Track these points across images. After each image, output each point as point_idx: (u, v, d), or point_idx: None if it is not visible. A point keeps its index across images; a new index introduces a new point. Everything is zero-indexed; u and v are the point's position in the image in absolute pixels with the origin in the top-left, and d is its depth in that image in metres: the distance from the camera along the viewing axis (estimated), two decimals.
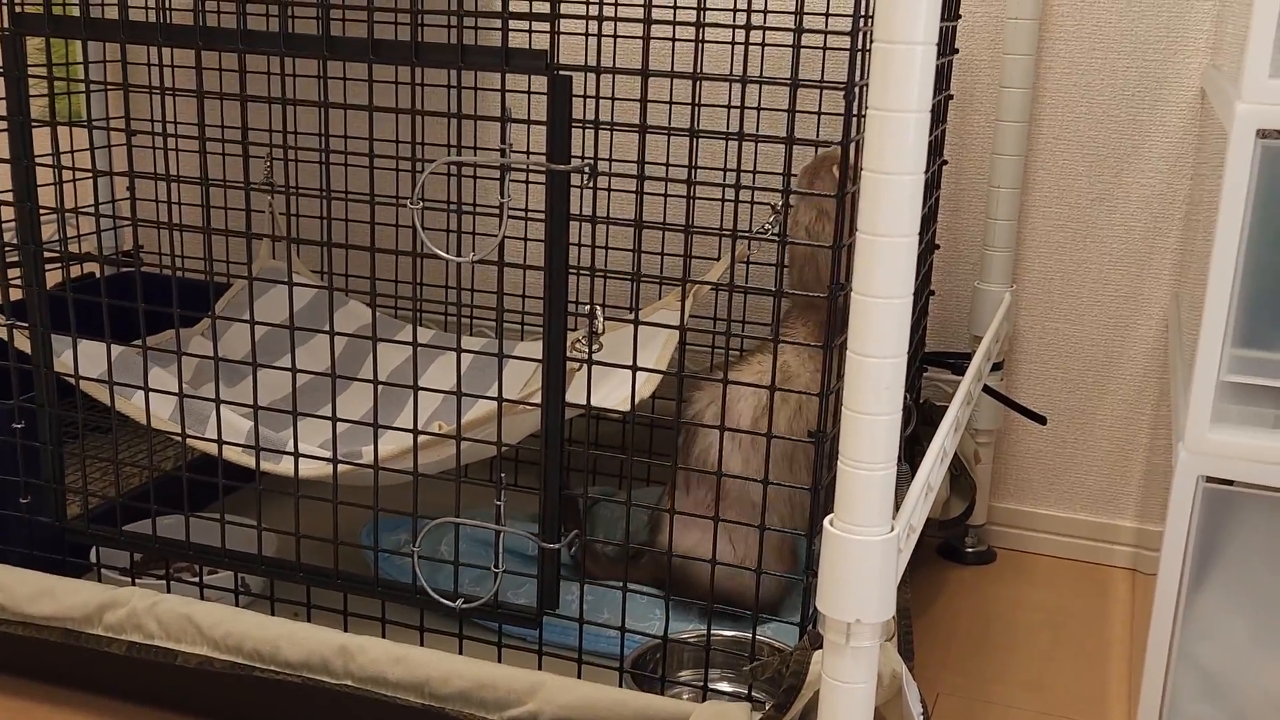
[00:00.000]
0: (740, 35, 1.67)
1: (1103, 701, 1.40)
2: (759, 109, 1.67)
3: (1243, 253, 1.01)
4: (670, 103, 1.57)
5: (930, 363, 1.67)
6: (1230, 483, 1.09)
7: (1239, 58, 1.03)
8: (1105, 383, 1.71)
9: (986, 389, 1.62)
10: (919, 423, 1.54)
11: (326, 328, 1.71)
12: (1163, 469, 1.42)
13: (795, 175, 1.49)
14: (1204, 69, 1.58)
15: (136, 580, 1.31)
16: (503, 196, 1.07)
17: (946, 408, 1.32)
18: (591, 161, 1.06)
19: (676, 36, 1.68)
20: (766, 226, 1.53)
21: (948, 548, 1.75)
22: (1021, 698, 1.40)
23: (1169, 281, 1.65)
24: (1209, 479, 1.08)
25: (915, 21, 0.80)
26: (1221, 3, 1.53)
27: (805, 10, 1.02)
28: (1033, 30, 1.60)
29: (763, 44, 1.69)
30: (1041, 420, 1.65)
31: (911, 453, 1.49)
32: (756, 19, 1.68)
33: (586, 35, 1.36)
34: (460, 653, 1.17)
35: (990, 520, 1.78)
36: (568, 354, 1.11)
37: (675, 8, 1.36)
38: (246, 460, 1.28)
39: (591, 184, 1.08)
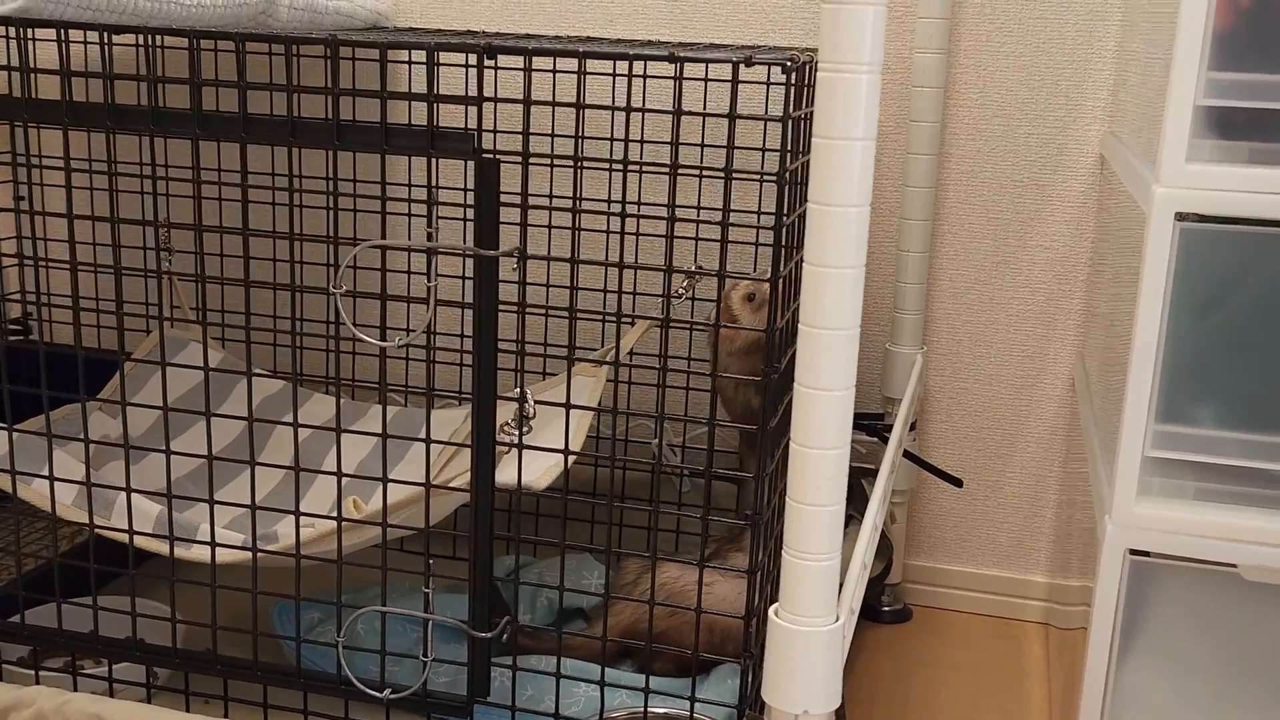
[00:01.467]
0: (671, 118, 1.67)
1: None
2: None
3: (1163, 331, 1.03)
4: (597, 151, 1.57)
5: None
6: (1146, 554, 1.12)
7: (1152, 139, 1.06)
8: (1014, 440, 1.74)
9: (905, 453, 1.63)
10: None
11: (230, 399, 1.67)
12: (1079, 525, 1.44)
13: (727, 241, 1.50)
14: (1102, 136, 1.62)
15: (39, 672, 1.25)
16: (430, 280, 1.05)
17: (857, 468, 1.32)
18: (520, 247, 1.05)
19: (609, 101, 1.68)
20: (680, 291, 1.54)
21: (865, 607, 1.76)
22: None
23: (1073, 342, 1.69)
24: (1133, 551, 1.10)
25: (861, 45, 0.80)
26: (1118, 73, 1.58)
27: (740, 78, 1.02)
28: (937, 98, 1.63)
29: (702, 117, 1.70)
30: (958, 483, 1.68)
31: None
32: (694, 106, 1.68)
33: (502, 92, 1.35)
34: None
35: (905, 578, 1.79)
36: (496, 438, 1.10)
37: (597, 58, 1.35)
38: (156, 546, 1.23)
39: (521, 268, 1.06)
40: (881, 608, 1.76)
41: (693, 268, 1.50)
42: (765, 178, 1.04)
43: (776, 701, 0.89)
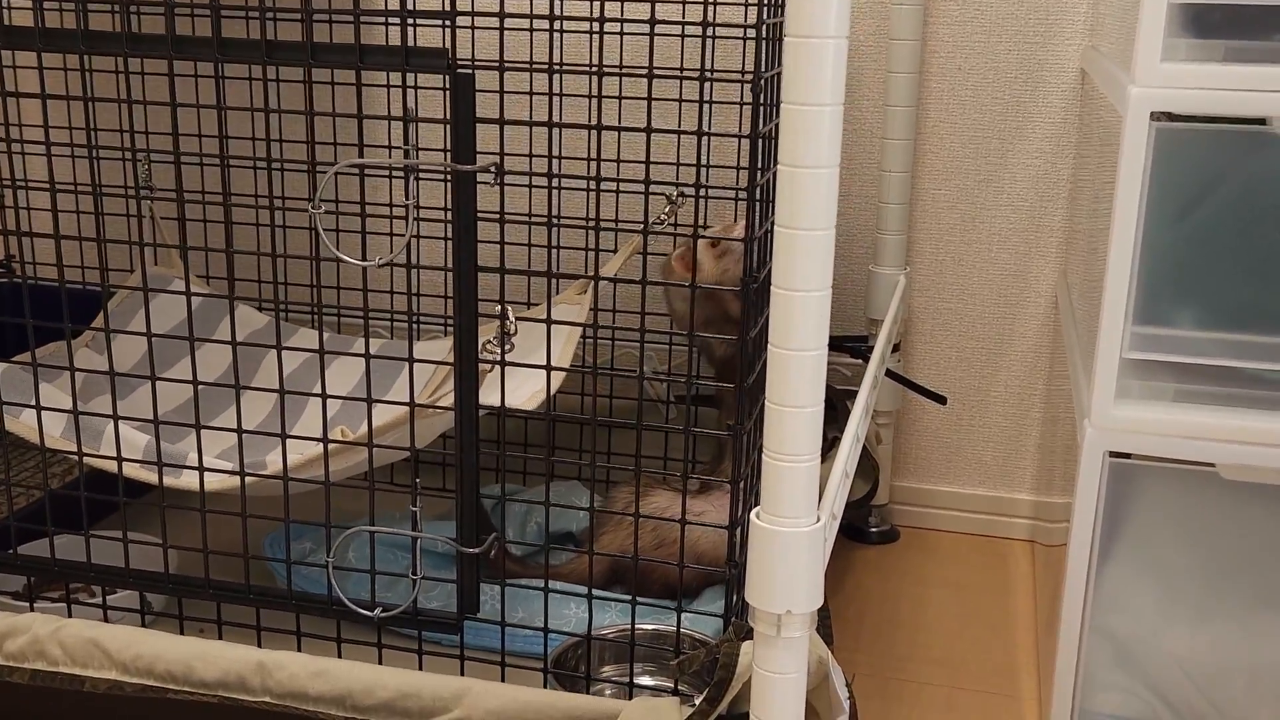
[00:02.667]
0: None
1: (1012, 672, 1.43)
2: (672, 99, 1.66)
3: (1140, 233, 1.04)
4: (581, 94, 1.56)
5: (828, 346, 1.69)
6: (1127, 456, 1.13)
7: (1129, 43, 1.06)
8: (998, 359, 1.75)
9: (889, 372, 1.64)
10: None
11: (216, 334, 1.67)
12: (1062, 441, 1.45)
13: (705, 166, 1.49)
14: (1083, 50, 1.62)
15: (34, 603, 1.26)
16: (408, 198, 1.05)
17: (843, 390, 1.33)
18: (497, 161, 1.05)
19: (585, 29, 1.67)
20: (662, 217, 1.53)
21: (852, 528, 1.78)
22: (935, 674, 1.43)
23: (1056, 259, 1.69)
24: (1112, 453, 1.11)
25: None
26: None
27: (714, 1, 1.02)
28: (917, 15, 1.62)
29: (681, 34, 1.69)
30: (942, 400, 1.68)
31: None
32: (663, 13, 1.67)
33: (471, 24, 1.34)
34: (380, 662, 1.15)
35: (892, 499, 1.81)
36: (479, 356, 1.10)
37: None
38: (146, 475, 1.24)
39: (498, 183, 1.06)
40: (869, 529, 1.77)
41: (674, 192, 1.49)
42: (743, 84, 1.03)
43: (759, 602, 0.90)
